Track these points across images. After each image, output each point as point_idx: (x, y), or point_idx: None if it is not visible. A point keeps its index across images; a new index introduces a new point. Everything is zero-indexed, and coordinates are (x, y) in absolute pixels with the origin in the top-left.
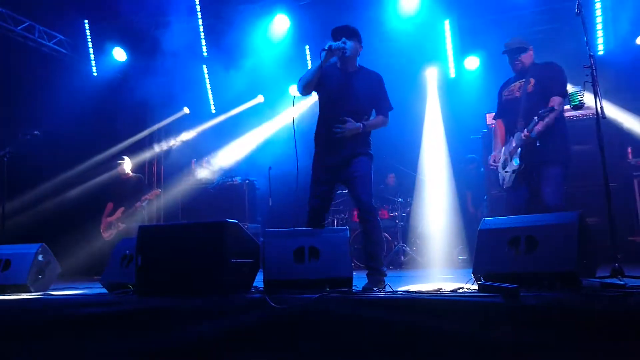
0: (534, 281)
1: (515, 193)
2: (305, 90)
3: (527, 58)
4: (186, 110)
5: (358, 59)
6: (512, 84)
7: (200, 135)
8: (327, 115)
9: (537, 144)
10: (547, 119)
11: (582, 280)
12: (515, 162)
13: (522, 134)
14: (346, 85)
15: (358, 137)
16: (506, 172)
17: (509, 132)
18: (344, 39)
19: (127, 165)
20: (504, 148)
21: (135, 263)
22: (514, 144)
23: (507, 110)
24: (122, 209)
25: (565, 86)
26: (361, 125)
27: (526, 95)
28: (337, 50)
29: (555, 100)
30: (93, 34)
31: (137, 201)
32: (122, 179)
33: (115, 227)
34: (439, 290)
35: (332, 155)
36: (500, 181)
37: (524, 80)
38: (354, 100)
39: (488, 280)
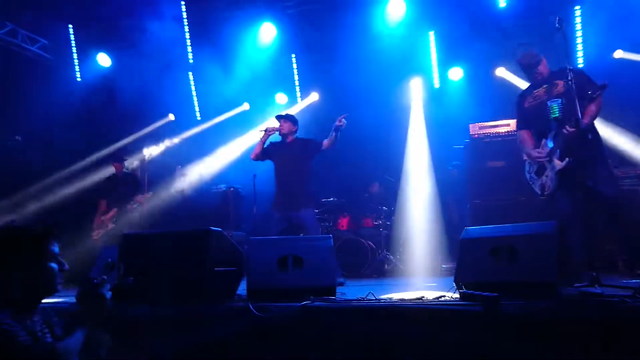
0: (515, 290)
1: (562, 198)
2: (256, 159)
3: (543, 67)
4: (171, 117)
5: (296, 134)
6: (535, 91)
7: (185, 142)
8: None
9: (590, 137)
10: (593, 108)
11: (560, 289)
12: (559, 162)
13: (566, 130)
14: (289, 150)
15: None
16: (546, 176)
17: (539, 138)
18: (280, 121)
19: (125, 163)
20: (539, 154)
21: (117, 271)
22: (549, 146)
23: (533, 116)
24: (115, 210)
25: (595, 84)
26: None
27: (557, 96)
28: (272, 130)
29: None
30: (77, 39)
31: (130, 202)
32: (118, 177)
33: (105, 227)
34: (421, 298)
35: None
36: (539, 190)
37: (547, 85)
38: (295, 162)
39: (470, 289)
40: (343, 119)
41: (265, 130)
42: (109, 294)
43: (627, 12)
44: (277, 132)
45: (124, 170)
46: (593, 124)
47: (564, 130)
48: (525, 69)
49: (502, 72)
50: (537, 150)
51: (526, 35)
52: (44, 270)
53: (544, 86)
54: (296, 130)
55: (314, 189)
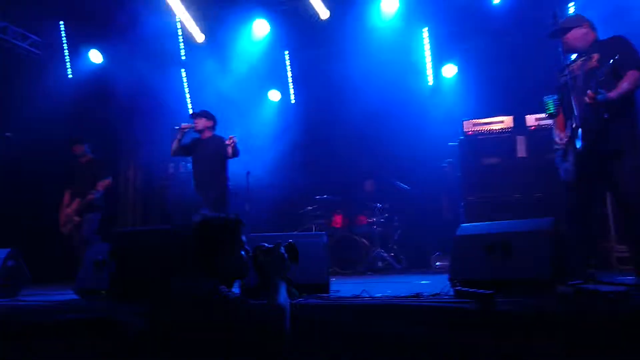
0: (510, 287)
1: (575, 189)
2: (174, 155)
3: (577, 36)
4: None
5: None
6: (572, 64)
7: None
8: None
9: (606, 117)
10: (625, 84)
11: (555, 286)
12: (577, 145)
13: (586, 97)
14: (202, 148)
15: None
16: (568, 161)
17: (569, 118)
18: (194, 119)
19: (83, 146)
20: (564, 136)
21: (108, 268)
22: (573, 125)
23: (564, 94)
24: (77, 200)
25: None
26: None
27: (589, 71)
28: (185, 127)
29: (630, 76)
30: (68, 36)
31: (91, 189)
32: (79, 162)
33: (72, 221)
34: (416, 295)
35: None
36: (563, 174)
37: (584, 57)
38: (207, 159)
39: (465, 286)
40: (232, 139)
41: (179, 128)
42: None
43: (621, 7)
44: (193, 129)
45: (86, 153)
46: (620, 103)
47: (586, 99)
48: (557, 34)
49: None
50: (560, 134)
51: (521, 31)
52: (238, 256)
53: (582, 58)
54: (212, 126)
55: (225, 187)
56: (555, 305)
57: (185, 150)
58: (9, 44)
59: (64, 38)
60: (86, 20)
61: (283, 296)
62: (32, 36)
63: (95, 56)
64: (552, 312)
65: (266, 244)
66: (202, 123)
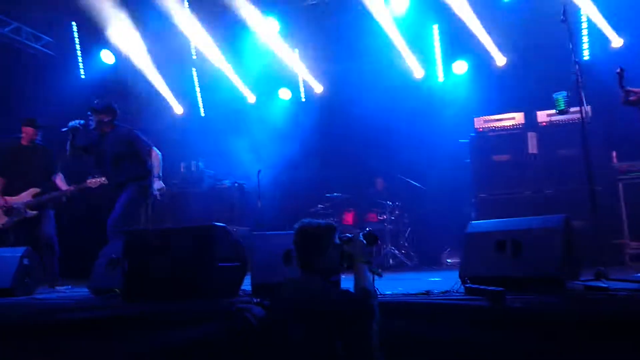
0: (520, 284)
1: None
2: (71, 157)
3: None
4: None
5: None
6: None
7: (189, 137)
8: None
9: None
10: None
11: (566, 283)
12: None
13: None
14: (101, 144)
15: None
16: None
17: None
18: (83, 119)
19: (37, 131)
20: None
21: (122, 267)
22: None
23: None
24: (34, 190)
25: None
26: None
27: None
28: (73, 128)
29: None
30: (81, 36)
31: (44, 180)
32: (24, 146)
33: (20, 213)
34: (426, 293)
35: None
36: None
37: None
38: (110, 153)
39: (475, 283)
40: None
41: (68, 129)
42: None
43: (632, 1)
44: (88, 127)
45: (36, 140)
46: None
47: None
48: None
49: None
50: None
51: (531, 28)
52: (334, 255)
53: None
54: (110, 120)
55: (134, 185)
56: (567, 302)
57: (85, 151)
58: (22, 44)
59: (76, 39)
60: (97, 20)
61: (368, 280)
62: (45, 37)
63: (107, 56)
64: (563, 309)
65: (348, 235)
66: (96, 119)
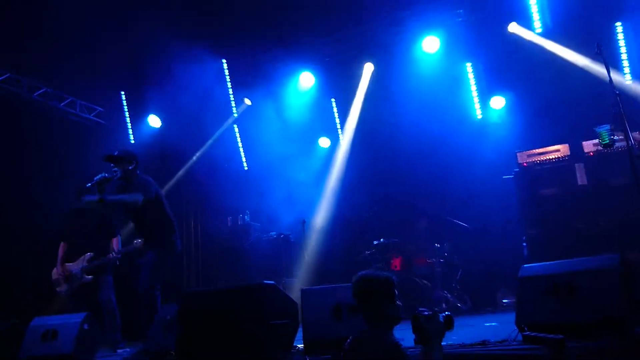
0: (580, 330)
1: None
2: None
3: None
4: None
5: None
6: None
7: (234, 192)
8: None
9: None
10: None
11: (628, 324)
12: None
13: None
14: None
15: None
16: None
17: None
18: (103, 173)
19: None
20: None
21: (176, 330)
22: None
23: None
24: (89, 255)
25: None
26: None
27: None
28: (102, 179)
29: None
30: (129, 103)
31: (106, 246)
32: (85, 210)
33: (78, 279)
34: (483, 343)
35: None
36: None
37: None
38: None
39: (533, 331)
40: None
41: (95, 182)
42: None
43: None
44: (114, 178)
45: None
46: None
47: None
48: None
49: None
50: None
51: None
52: (396, 305)
53: None
54: (134, 168)
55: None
56: (631, 346)
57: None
58: (77, 116)
59: (125, 107)
60: (145, 88)
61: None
62: (97, 107)
63: (154, 121)
64: (629, 354)
65: (426, 311)
66: (123, 168)
